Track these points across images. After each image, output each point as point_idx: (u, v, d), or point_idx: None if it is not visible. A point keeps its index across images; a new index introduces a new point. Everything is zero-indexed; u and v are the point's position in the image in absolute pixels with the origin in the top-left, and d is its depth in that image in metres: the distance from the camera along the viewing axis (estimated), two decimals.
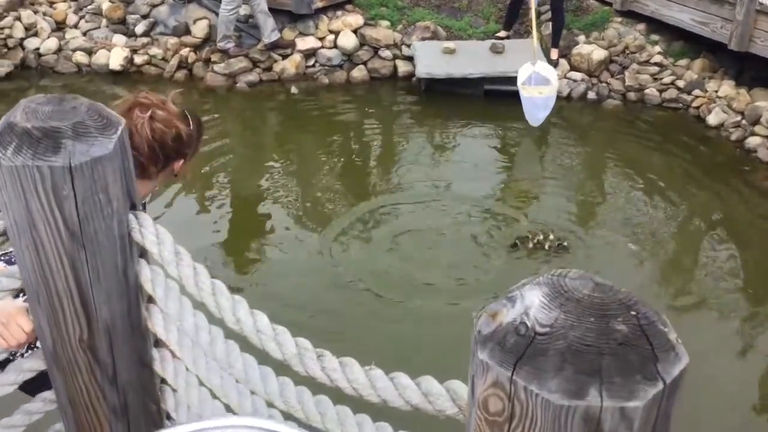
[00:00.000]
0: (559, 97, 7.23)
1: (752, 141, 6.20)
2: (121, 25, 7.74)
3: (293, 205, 5.40)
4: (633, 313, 0.77)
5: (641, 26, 7.62)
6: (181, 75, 7.45)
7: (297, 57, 7.49)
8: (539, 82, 6.33)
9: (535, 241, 4.83)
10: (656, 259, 4.86)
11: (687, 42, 7.35)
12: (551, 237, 4.86)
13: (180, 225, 5.04)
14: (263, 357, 1.26)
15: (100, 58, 7.51)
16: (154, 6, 7.79)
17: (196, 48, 7.54)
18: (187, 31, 7.60)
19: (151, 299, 1.47)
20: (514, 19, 7.70)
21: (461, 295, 4.43)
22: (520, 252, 4.81)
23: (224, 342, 1.32)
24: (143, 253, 1.43)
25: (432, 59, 7.21)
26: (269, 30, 7.25)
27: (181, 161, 2.04)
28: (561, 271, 0.83)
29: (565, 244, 4.85)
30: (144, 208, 1.97)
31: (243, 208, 5.42)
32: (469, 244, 4.93)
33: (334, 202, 5.44)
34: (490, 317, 0.81)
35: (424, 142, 6.51)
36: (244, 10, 7.40)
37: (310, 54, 7.57)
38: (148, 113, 1.93)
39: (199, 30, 7.54)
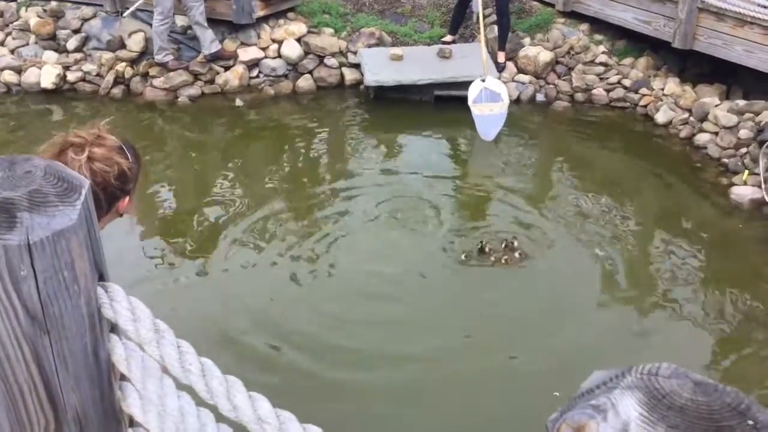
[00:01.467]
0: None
1: (701, 138, 6.28)
2: (51, 41, 7.38)
3: (241, 221, 5.18)
4: (750, 422, 0.64)
5: (584, 26, 7.66)
6: (118, 91, 7.13)
7: (240, 68, 7.27)
8: (490, 98, 6.31)
9: (487, 249, 4.75)
10: (618, 260, 4.83)
11: (630, 41, 7.42)
12: (512, 244, 4.79)
13: (119, 244, 4.80)
14: None
15: (30, 76, 7.13)
16: (85, 20, 7.45)
17: (133, 62, 7.24)
18: (122, 45, 7.29)
19: (124, 376, 1.29)
20: (459, 23, 7.64)
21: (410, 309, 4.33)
22: (474, 262, 4.72)
23: (216, 429, 1.15)
24: (114, 327, 1.24)
25: (380, 67, 7.09)
26: (208, 41, 7.01)
27: (126, 199, 1.85)
28: (649, 367, 0.70)
29: (520, 251, 4.78)
30: None
31: (188, 228, 5.17)
32: (424, 256, 4.82)
33: (281, 220, 5.24)
34: (575, 431, 0.67)
35: (375, 150, 6.37)
36: (181, 21, 7.13)
37: (253, 65, 7.35)
38: (85, 154, 1.73)
39: (135, 43, 7.24)
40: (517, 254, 4.75)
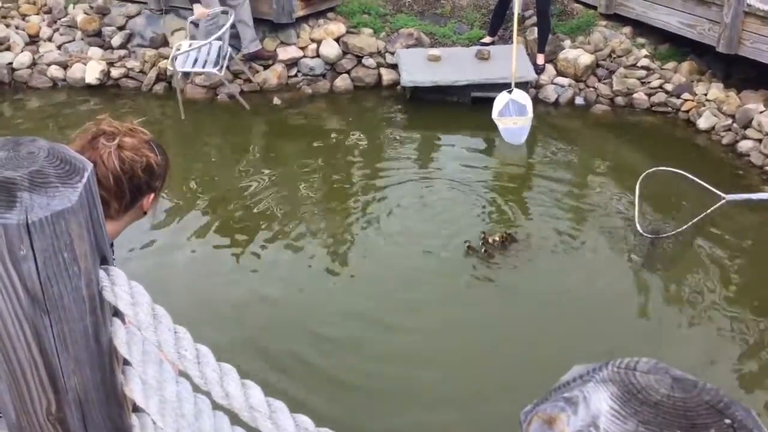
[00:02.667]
0: (546, 103, 7.16)
1: (744, 145, 6.11)
2: (96, 37, 7.54)
3: (278, 218, 5.23)
4: (727, 421, 0.61)
5: (627, 29, 7.53)
6: (159, 88, 7.25)
7: (279, 67, 7.33)
8: (517, 111, 6.28)
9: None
10: (657, 268, 4.74)
11: (673, 44, 7.27)
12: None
13: (160, 236, 4.88)
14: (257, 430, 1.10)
15: (75, 72, 7.30)
16: (130, 17, 7.60)
17: (175, 60, 7.33)
18: (165, 43, 7.41)
19: (128, 361, 1.30)
20: (498, 25, 7.58)
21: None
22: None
23: (212, 415, 1.15)
24: (117, 312, 1.25)
25: (417, 67, 7.07)
26: (249, 40, 7.08)
27: (151, 196, 1.85)
28: (627, 361, 0.68)
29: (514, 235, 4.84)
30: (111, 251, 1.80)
31: (227, 223, 5.23)
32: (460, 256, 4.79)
33: (318, 215, 5.28)
34: (545, 423, 0.65)
35: (410, 150, 6.36)
36: (223, 20, 7.21)
37: (292, 64, 7.40)
38: (116, 141, 1.75)
39: (178, 41, 7.34)
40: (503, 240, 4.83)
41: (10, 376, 1.19)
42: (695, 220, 4.60)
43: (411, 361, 3.89)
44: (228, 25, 6.43)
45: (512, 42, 6.84)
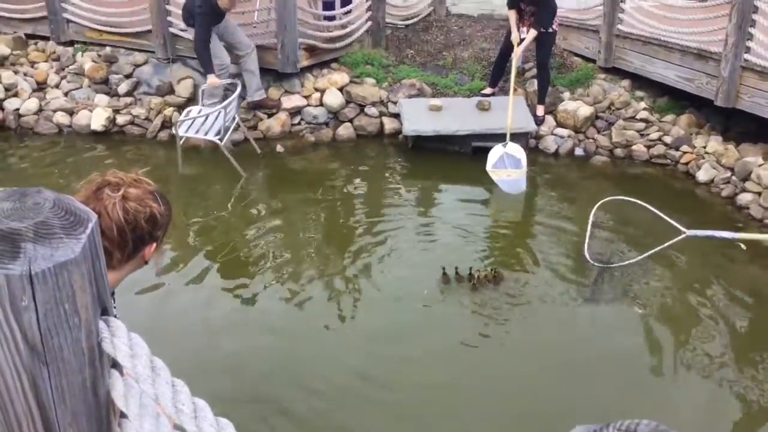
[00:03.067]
0: (546, 154, 7.23)
1: (744, 197, 6.14)
2: (103, 84, 7.67)
3: (275, 266, 5.22)
4: None
5: (626, 82, 7.65)
6: (164, 135, 7.34)
7: (282, 115, 7.43)
8: (512, 164, 6.40)
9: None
10: (661, 322, 4.70)
11: (672, 97, 7.37)
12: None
13: (155, 282, 4.86)
14: None
15: (81, 118, 7.40)
16: (137, 66, 7.73)
17: (180, 107, 7.45)
18: (171, 91, 7.53)
19: (124, 414, 1.29)
20: (499, 77, 7.71)
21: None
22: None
23: None
24: (116, 363, 1.25)
25: (419, 116, 7.17)
26: (254, 89, 7.20)
27: (153, 245, 1.87)
28: (628, 423, 0.67)
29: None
30: (113, 300, 1.80)
31: (223, 271, 5.22)
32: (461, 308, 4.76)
33: (316, 264, 5.26)
34: None
35: (411, 198, 6.40)
36: (231, 69, 7.34)
37: (295, 112, 7.51)
38: (120, 192, 1.78)
39: (184, 89, 7.47)
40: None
41: (6, 428, 1.18)
42: (650, 252, 4.62)
43: (402, 418, 3.82)
44: (235, 96, 6.50)
45: (514, 44, 7.03)
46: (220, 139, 6.43)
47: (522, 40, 7.18)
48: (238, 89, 6.65)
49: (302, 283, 5.02)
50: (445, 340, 4.42)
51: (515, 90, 7.79)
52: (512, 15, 7.28)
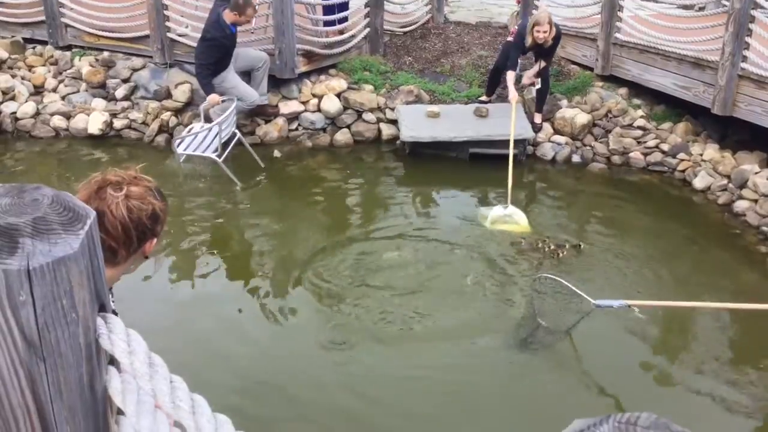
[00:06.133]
0: (543, 161, 7.25)
1: (740, 205, 6.16)
2: (101, 89, 7.67)
3: (263, 270, 5.22)
4: None
5: (623, 90, 7.67)
6: (161, 139, 7.34)
7: (280, 121, 7.43)
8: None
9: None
10: (656, 328, 4.70)
11: (669, 106, 7.40)
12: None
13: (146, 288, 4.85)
14: None
15: (78, 122, 7.39)
16: (135, 70, 7.73)
17: (178, 112, 7.45)
18: (169, 95, 7.53)
19: (121, 411, 1.29)
20: (495, 85, 7.72)
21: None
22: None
23: None
24: (113, 360, 1.24)
25: (416, 123, 7.18)
26: (260, 93, 7.18)
27: (153, 240, 1.88)
28: (628, 416, 0.67)
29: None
30: (111, 295, 1.80)
31: (224, 275, 5.22)
32: (460, 312, 4.75)
33: (316, 269, 5.25)
34: None
35: (408, 203, 6.39)
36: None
37: (293, 117, 7.51)
38: (123, 191, 1.78)
39: (181, 94, 7.47)
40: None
41: (2, 423, 1.17)
42: (569, 328, 4.46)
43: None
44: (231, 110, 6.46)
45: (511, 103, 6.83)
46: (219, 156, 6.38)
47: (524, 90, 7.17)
48: (234, 104, 6.59)
49: (294, 284, 5.01)
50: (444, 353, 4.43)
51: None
52: (511, 76, 7.07)
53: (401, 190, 6.71)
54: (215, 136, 6.39)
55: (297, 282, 5.07)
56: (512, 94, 6.92)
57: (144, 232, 1.84)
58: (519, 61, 7.39)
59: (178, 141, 6.43)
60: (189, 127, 6.83)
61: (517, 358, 4.34)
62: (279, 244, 5.65)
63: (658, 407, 4.00)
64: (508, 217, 5.99)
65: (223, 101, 6.73)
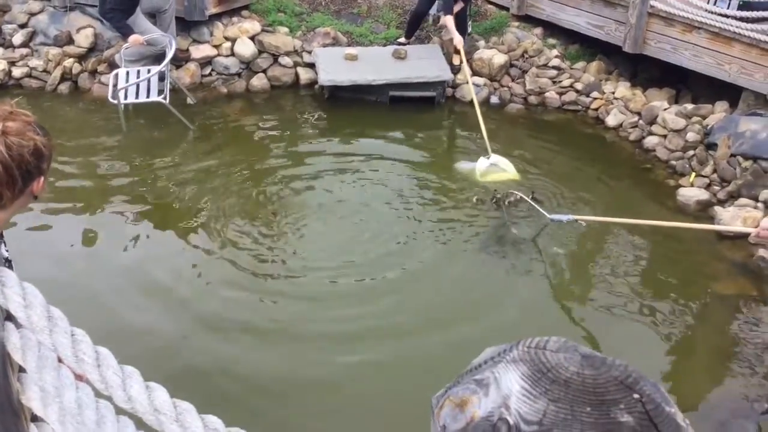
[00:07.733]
0: (462, 102, 7.26)
1: (650, 140, 6.37)
2: None
3: (188, 220, 5.12)
4: (636, 396, 0.61)
5: (538, 30, 7.73)
6: (65, 87, 6.95)
7: (192, 66, 7.15)
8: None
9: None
10: (571, 261, 4.87)
11: (583, 45, 7.51)
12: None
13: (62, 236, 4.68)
14: None
15: None
16: (32, 15, 7.25)
17: (81, 58, 7.06)
18: (70, 41, 7.10)
19: (23, 368, 1.22)
20: (415, 29, 7.64)
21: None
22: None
23: (115, 420, 1.09)
24: (10, 316, 1.17)
25: (334, 66, 7.04)
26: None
27: (41, 179, 1.76)
28: (537, 340, 0.67)
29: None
30: (3, 243, 1.70)
31: (138, 227, 5.07)
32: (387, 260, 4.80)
33: (232, 219, 5.17)
34: (457, 407, 0.63)
35: (329, 151, 6.32)
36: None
37: (206, 62, 7.24)
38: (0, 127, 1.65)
39: (84, 39, 7.06)
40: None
41: None
42: (533, 237, 5.14)
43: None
44: (171, 52, 6.24)
45: (428, 42, 6.81)
46: (164, 98, 6.27)
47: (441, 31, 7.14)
48: (174, 43, 6.37)
49: (220, 235, 4.92)
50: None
51: (430, 38, 7.77)
52: (450, 20, 6.99)
53: (321, 134, 6.61)
54: (155, 78, 6.21)
55: (216, 224, 4.99)
56: (457, 38, 6.90)
57: (29, 170, 1.71)
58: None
59: (116, 91, 6.19)
60: (114, 74, 6.48)
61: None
62: (196, 189, 5.50)
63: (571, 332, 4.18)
64: (494, 167, 5.99)
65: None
